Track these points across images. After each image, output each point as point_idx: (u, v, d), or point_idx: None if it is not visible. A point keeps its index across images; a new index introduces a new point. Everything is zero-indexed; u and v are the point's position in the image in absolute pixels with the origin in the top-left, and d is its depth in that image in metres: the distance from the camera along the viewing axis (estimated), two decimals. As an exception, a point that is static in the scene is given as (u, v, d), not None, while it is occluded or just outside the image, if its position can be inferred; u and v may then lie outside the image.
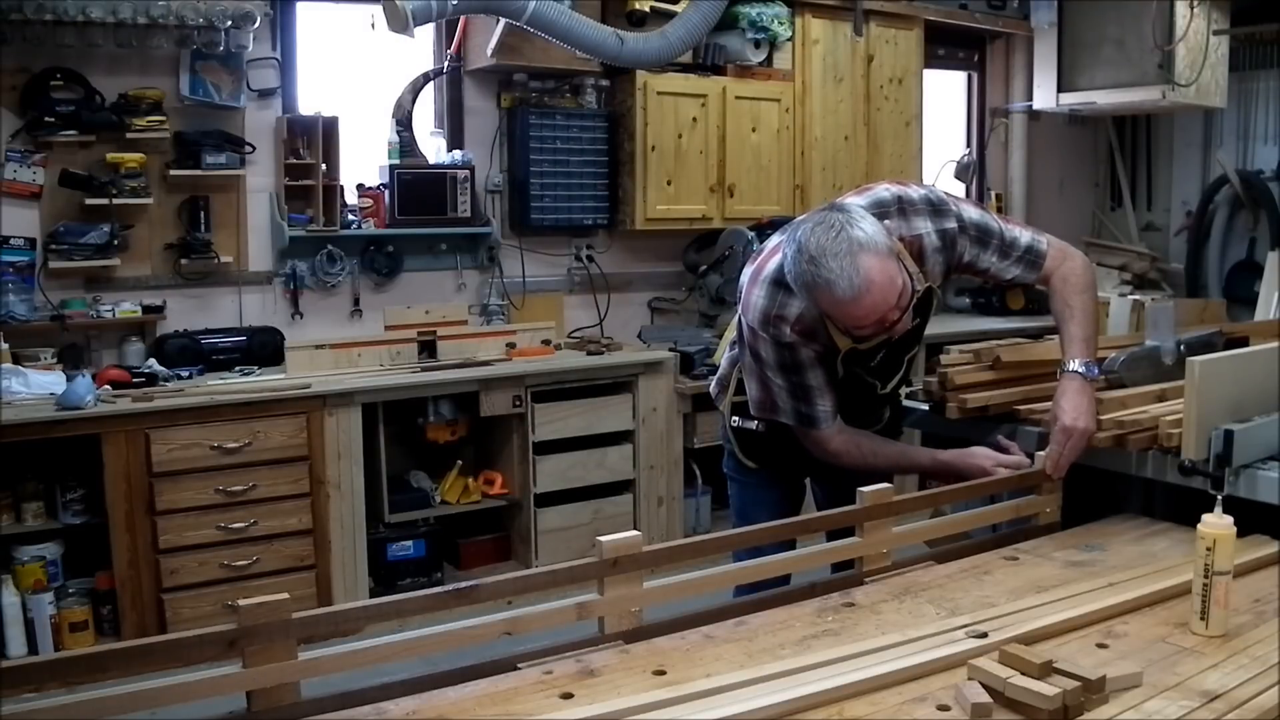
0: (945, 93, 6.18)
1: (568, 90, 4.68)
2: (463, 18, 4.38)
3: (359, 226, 4.26)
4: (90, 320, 3.83)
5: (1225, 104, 5.69)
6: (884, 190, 2.15)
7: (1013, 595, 1.71)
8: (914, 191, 2.17)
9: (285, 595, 1.33)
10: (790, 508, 2.45)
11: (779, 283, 2.08)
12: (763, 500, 2.43)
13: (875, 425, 2.36)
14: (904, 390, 2.49)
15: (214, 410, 3.55)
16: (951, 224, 2.16)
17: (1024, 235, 2.24)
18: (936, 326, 5.33)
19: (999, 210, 6.20)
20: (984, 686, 1.32)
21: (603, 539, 1.54)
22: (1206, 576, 1.53)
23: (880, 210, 2.08)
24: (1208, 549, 1.53)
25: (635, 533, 1.57)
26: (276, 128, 4.16)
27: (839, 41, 5.15)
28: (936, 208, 2.16)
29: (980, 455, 2.16)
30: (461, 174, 4.38)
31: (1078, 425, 2.06)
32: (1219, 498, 1.60)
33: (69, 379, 3.47)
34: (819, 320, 2.08)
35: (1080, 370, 2.14)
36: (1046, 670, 1.30)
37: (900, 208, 2.12)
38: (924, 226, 2.14)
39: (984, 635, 1.50)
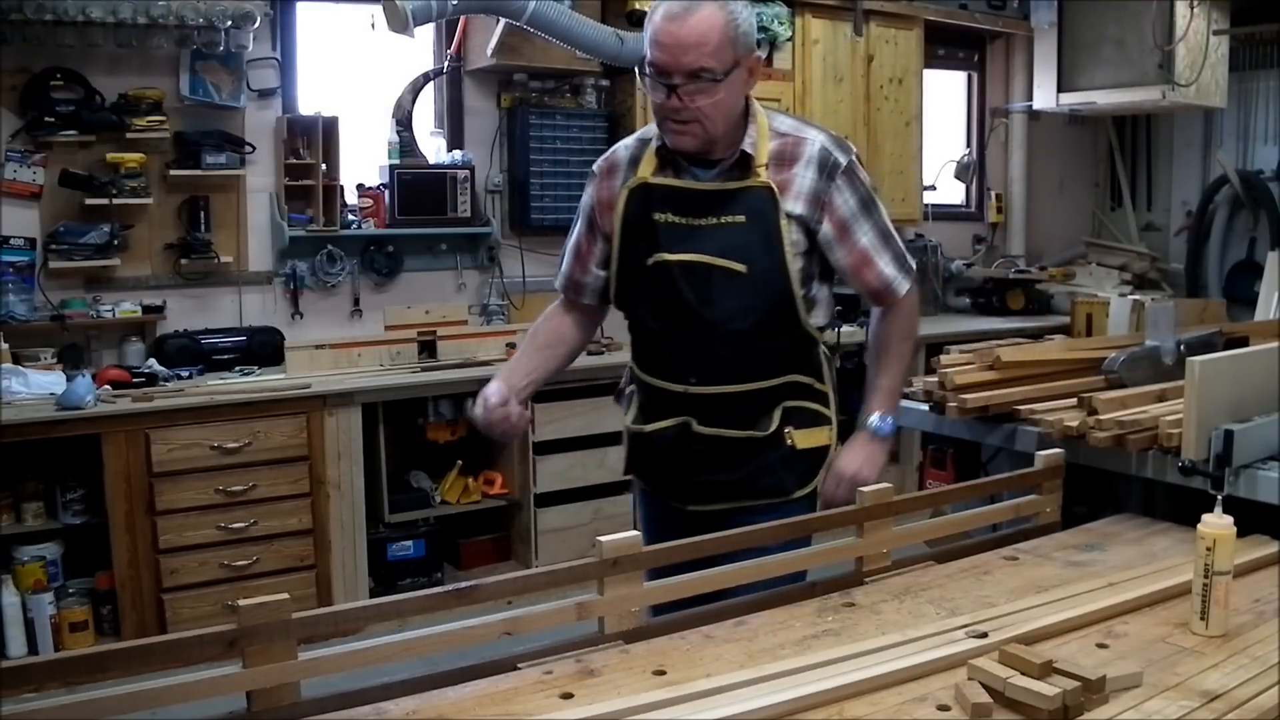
0: (945, 93, 6.18)
1: (568, 90, 4.68)
2: (463, 18, 4.38)
3: (359, 226, 4.26)
4: (90, 320, 3.83)
5: (1225, 104, 5.69)
6: (818, 129, 2.00)
7: (1013, 595, 1.71)
8: (835, 141, 1.99)
9: (285, 595, 1.33)
10: (660, 532, 2.05)
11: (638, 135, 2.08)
12: (642, 518, 2.24)
13: (708, 375, 1.98)
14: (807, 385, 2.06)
15: (214, 410, 3.55)
16: (842, 168, 1.94)
17: (890, 269, 2.02)
18: (937, 326, 5.37)
19: (999, 210, 6.22)
20: (984, 686, 1.31)
21: (603, 539, 1.54)
22: (1206, 576, 1.53)
23: (800, 119, 2.03)
24: (1208, 549, 1.53)
25: (635, 533, 1.57)
26: (276, 128, 4.16)
27: (839, 41, 5.15)
28: (849, 159, 1.97)
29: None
30: (461, 174, 4.38)
31: (846, 471, 2.00)
32: (1219, 498, 1.59)
33: (69, 379, 3.47)
34: (632, 156, 2.03)
35: (875, 425, 2.04)
36: (1046, 670, 1.30)
37: (811, 123, 2.04)
38: (818, 139, 1.96)
39: (984, 635, 1.50)
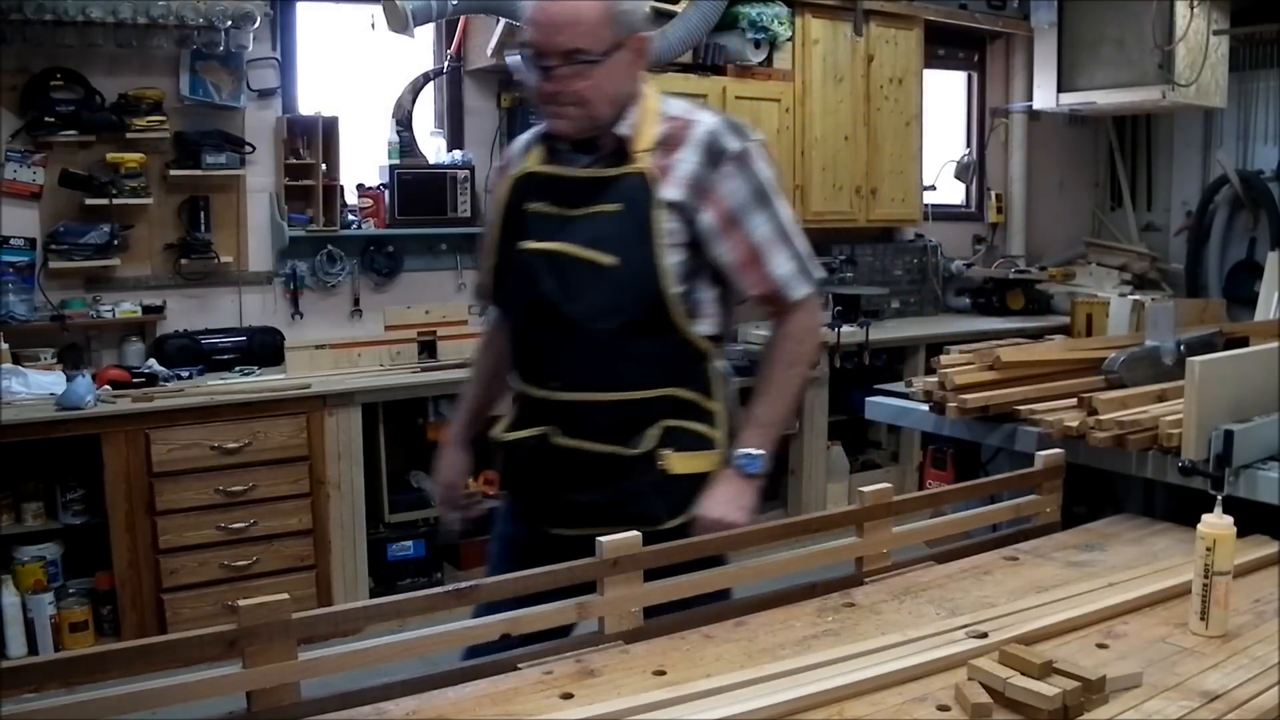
0: (945, 93, 6.19)
1: (568, 90, 4.68)
2: (463, 18, 4.38)
3: (359, 226, 4.26)
4: (90, 320, 3.83)
5: (1225, 104, 5.70)
6: (712, 113, 1.86)
7: (1013, 595, 1.71)
8: (736, 128, 1.83)
9: (285, 595, 1.33)
10: (511, 557, 1.87)
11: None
12: (495, 537, 2.05)
13: (571, 380, 1.80)
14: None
15: (214, 410, 3.55)
16: (731, 154, 1.77)
17: (784, 269, 1.82)
18: (937, 327, 5.37)
19: (999, 210, 6.22)
20: (984, 686, 1.31)
21: (602, 539, 1.54)
22: (1206, 577, 1.53)
23: (698, 105, 1.88)
24: (1208, 549, 1.53)
25: (635, 533, 1.57)
26: (276, 128, 4.16)
27: (839, 41, 5.16)
28: (743, 145, 1.80)
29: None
30: (461, 174, 4.38)
31: (708, 516, 1.77)
32: (1219, 498, 1.59)
33: (69, 379, 3.47)
34: (525, 146, 1.91)
35: (741, 461, 1.79)
36: (1046, 670, 1.30)
37: (709, 108, 1.89)
38: (708, 122, 1.81)
39: (984, 635, 1.50)
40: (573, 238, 1.77)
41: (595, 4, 1.71)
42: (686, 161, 1.77)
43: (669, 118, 1.81)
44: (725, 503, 1.77)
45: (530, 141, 1.91)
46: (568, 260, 1.77)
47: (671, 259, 1.75)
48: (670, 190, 1.75)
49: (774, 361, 1.85)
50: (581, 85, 1.73)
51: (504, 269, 1.87)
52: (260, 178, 4.14)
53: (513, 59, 1.79)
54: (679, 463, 1.79)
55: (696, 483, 1.81)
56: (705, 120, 1.80)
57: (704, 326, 1.83)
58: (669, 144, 1.78)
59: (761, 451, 1.80)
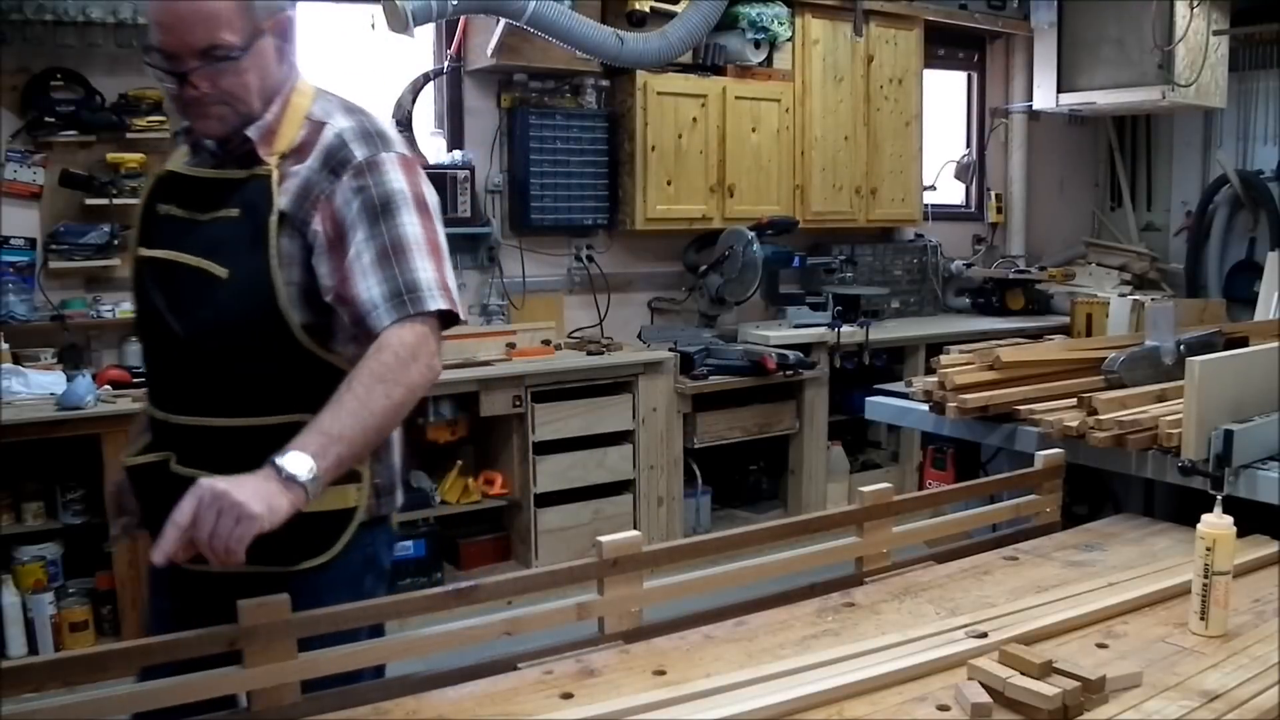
0: (945, 93, 6.19)
1: (568, 90, 4.69)
2: (463, 18, 4.38)
3: (359, 226, 4.25)
4: (90, 320, 3.83)
5: (1225, 104, 5.70)
6: (351, 117, 1.67)
7: (1013, 595, 1.71)
8: (385, 124, 1.69)
9: (285, 595, 1.33)
10: (157, 593, 1.71)
11: None
12: (146, 572, 1.78)
13: (187, 402, 1.61)
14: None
15: (214, 410, 3.55)
16: (354, 163, 1.58)
17: (373, 293, 1.53)
18: (937, 327, 5.37)
19: (999, 210, 6.22)
20: (984, 686, 1.31)
21: (603, 539, 1.54)
22: (1206, 576, 1.53)
23: (350, 104, 1.70)
24: (1208, 549, 1.53)
25: (635, 533, 1.58)
26: (276, 128, 4.15)
27: (839, 41, 5.16)
28: (371, 154, 1.59)
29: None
30: (461, 174, 4.38)
31: (217, 484, 1.34)
32: (1219, 498, 1.60)
33: (69, 379, 3.47)
34: (181, 141, 1.72)
35: (280, 463, 1.39)
36: (1046, 670, 1.30)
37: (358, 108, 1.71)
38: (340, 126, 1.62)
39: (984, 635, 1.50)
40: (190, 245, 1.58)
41: (224, 7, 1.50)
42: (306, 168, 1.58)
43: (311, 120, 1.63)
44: (241, 483, 1.36)
45: (183, 136, 1.71)
46: (179, 270, 1.58)
47: (285, 274, 1.55)
48: (283, 199, 1.56)
49: (363, 371, 1.49)
50: (227, 83, 1.54)
51: (134, 277, 1.68)
52: (260, 178, 4.14)
53: (150, 65, 1.57)
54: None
55: (338, 519, 1.61)
56: (338, 124, 1.62)
57: (341, 345, 1.61)
58: (302, 149, 1.59)
59: (309, 459, 1.40)
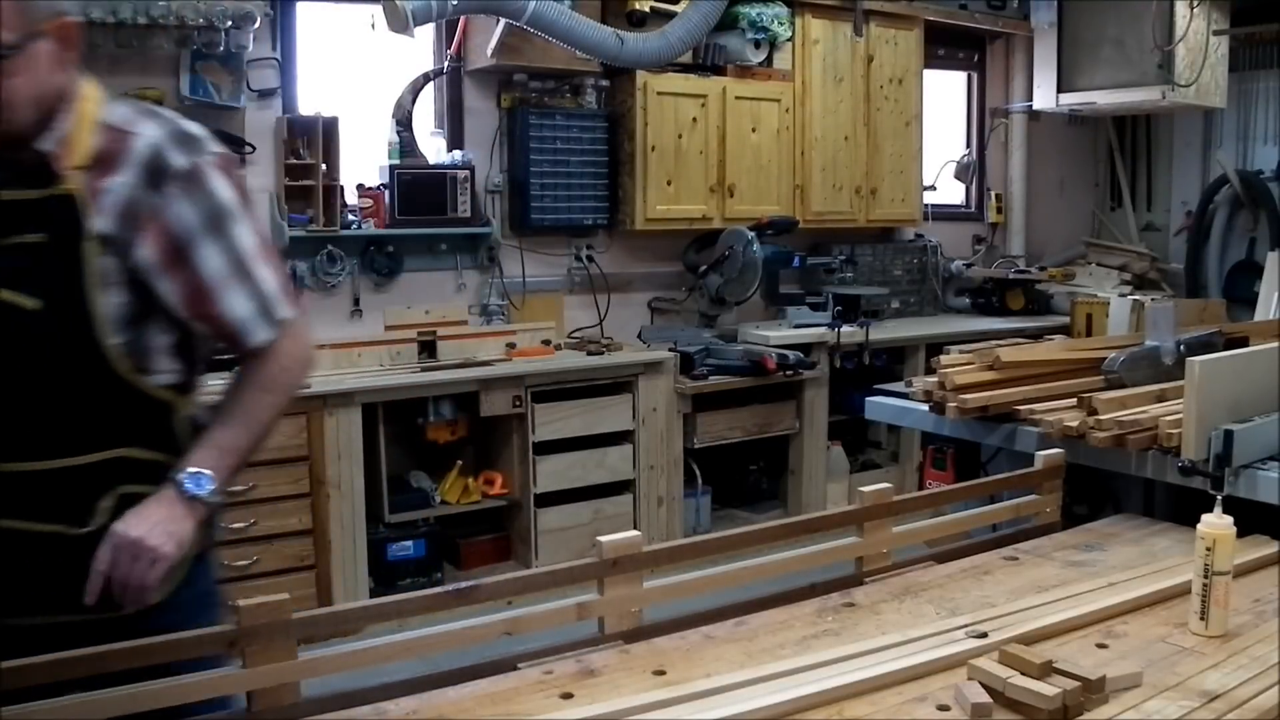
0: (945, 93, 6.19)
1: (568, 90, 4.69)
2: (463, 18, 4.38)
3: (359, 226, 4.25)
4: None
5: (1225, 104, 5.70)
6: (159, 123, 1.51)
7: (1013, 595, 1.71)
8: (195, 127, 1.54)
9: (285, 595, 1.33)
10: None
11: None
12: None
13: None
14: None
15: (214, 410, 3.55)
16: (179, 173, 1.48)
17: (243, 309, 1.54)
18: (937, 327, 5.37)
19: (999, 210, 6.23)
20: (984, 686, 1.32)
21: (603, 539, 1.54)
22: (1206, 576, 1.53)
23: (148, 109, 1.55)
24: (1208, 549, 1.54)
25: (635, 533, 1.58)
26: (276, 128, 4.15)
27: (839, 41, 5.16)
28: (195, 161, 1.49)
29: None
30: (461, 174, 4.38)
31: (127, 535, 1.41)
32: (1219, 498, 1.60)
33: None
34: None
35: (183, 480, 1.47)
36: (1046, 670, 1.30)
37: (161, 113, 1.54)
38: (152, 134, 1.48)
39: (984, 635, 1.50)
40: None
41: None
42: (122, 183, 1.46)
43: (108, 128, 1.48)
44: (152, 523, 1.43)
45: None
46: None
47: (110, 301, 1.46)
48: (101, 220, 1.45)
49: (248, 383, 1.56)
50: None
51: None
52: (260, 178, 4.14)
53: None
54: None
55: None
56: (148, 132, 1.48)
57: (162, 376, 1.54)
58: (105, 161, 1.46)
59: (212, 474, 1.49)
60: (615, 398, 4.34)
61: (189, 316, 1.53)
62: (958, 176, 6.07)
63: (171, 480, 1.47)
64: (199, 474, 1.48)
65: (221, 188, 1.52)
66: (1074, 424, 2.21)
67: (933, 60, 5.78)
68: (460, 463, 4.24)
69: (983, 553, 1.96)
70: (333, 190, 4.16)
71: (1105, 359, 2.49)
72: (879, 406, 2.85)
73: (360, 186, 4.30)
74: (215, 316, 1.53)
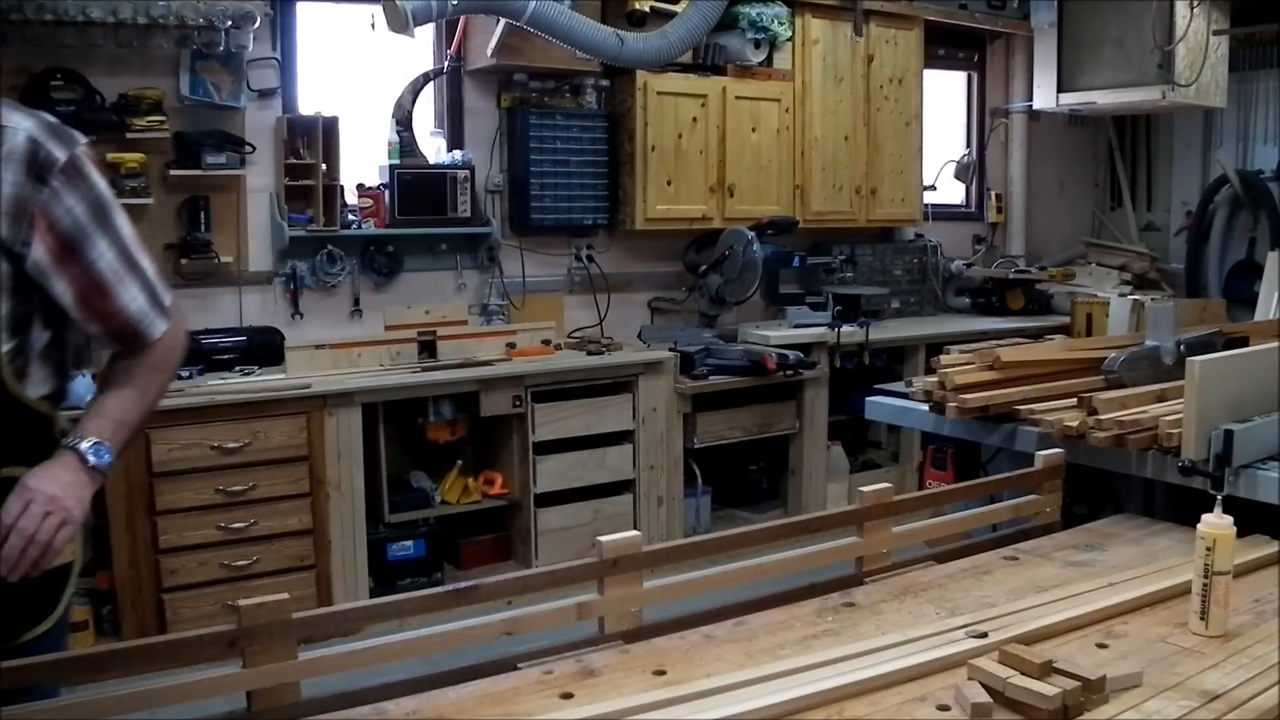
0: (945, 93, 6.19)
1: (568, 90, 4.69)
2: (463, 18, 4.38)
3: (359, 226, 4.26)
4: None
5: (1225, 104, 5.70)
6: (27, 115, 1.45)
7: (1013, 595, 1.71)
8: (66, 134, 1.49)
9: (285, 595, 1.34)
10: None
11: None
12: None
13: None
14: None
15: (214, 410, 3.55)
16: (59, 165, 1.43)
17: (139, 303, 1.53)
18: (937, 327, 5.37)
19: (999, 210, 6.23)
20: (984, 686, 1.32)
21: (603, 539, 1.54)
22: (1206, 576, 1.53)
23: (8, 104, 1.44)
24: (1208, 549, 1.53)
25: (635, 533, 1.58)
26: (276, 128, 4.16)
27: (839, 41, 5.16)
28: (72, 153, 1.46)
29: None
30: (461, 174, 4.38)
31: (41, 487, 1.38)
32: (1219, 498, 1.60)
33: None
34: None
35: (82, 448, 1.44)
36: (1046, 670, 1.30)
37: (20, 108, 1.46)
38: (24, 127, 1.41)
39: (984, 635, 1.50)
40: None
41: None
42: (7, 181, 1.38)
43: None
44: (64, 484, 1.40)
45: None
46: None
47: (2, 307, 1.39)
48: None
49: (142, 362, 1.53)
50: None
51: None
52: (260, 178, 4.14)
53: None
54: None
55: (54, 579, 1.47)
56: (21, 125, 1.41)
57: (38, 386, 1.47)
58: None
59: (106, 445, 1.46)
60: (615, 398, 4.34)
61: (82, 316, 1.47)
62: (958, 176, 6.07)
63: (72, 448, 1.43)
64: (99, 444, 1.45)
65: (98, 178, 1.50)
66: (1074, 424, 2.21)
67: (933, 60, 5.78)
68: (460, 463, 4.24)
69: (983, 553, 1.96)
70: (333, 190, 4.16)
71: (1105, 359, 2.49)
72: (879, 406, 2.85)
73: (360, 186, 4.30)
74: (114, 313, 1.49)
